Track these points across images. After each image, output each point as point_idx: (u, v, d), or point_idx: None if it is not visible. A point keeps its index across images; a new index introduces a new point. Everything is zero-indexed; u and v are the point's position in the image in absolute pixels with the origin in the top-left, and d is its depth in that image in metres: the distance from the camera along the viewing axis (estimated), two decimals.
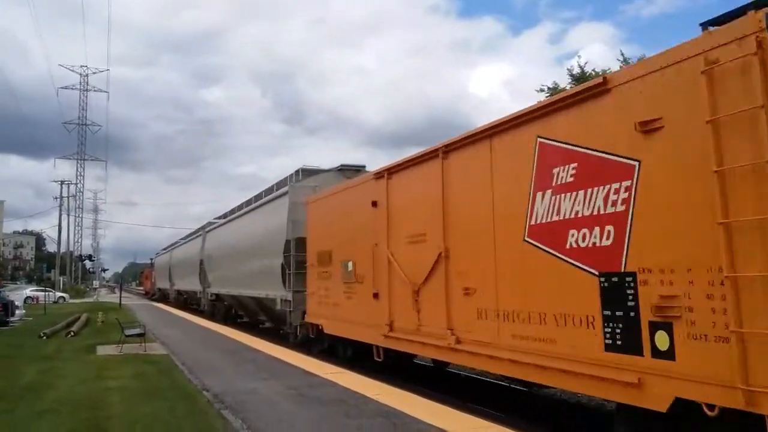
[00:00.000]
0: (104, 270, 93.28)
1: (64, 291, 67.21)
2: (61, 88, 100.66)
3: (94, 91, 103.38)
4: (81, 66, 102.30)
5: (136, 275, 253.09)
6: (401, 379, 12.36)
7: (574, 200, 7.06)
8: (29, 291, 56.41)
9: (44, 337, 20.35)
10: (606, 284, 6.57)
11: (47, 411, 9.12)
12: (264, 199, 22.27)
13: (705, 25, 5.86)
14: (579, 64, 36.31)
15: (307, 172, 17.55)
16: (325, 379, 11.44)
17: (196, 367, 13.11)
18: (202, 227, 36.60)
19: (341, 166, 18.12)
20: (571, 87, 38.71)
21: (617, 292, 6.41)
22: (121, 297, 44.32)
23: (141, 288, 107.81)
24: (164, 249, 62.60)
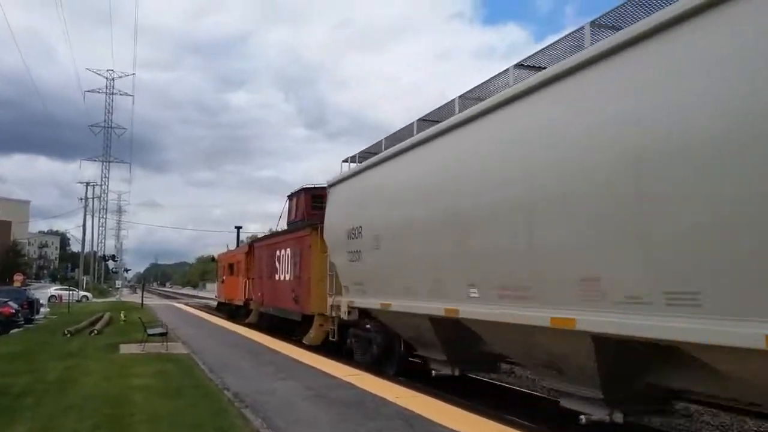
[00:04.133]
0: (127, 270, 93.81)
1: (87, 290, 68.06)
2: (88, 91, 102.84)
3: (120, 94, 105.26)
4: (107, 70, 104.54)
5: (157, 275, 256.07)
6: (419, 383, 12.43)
7: None
8: (53, 290, 57.31)
9: (68, 335, 20.71)
10: None
11: (72, 406, 9.32)
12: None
13: None
14: None
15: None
16: (343, 380, 11.54)
17: (216, 367, 13.29)
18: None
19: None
20: None
21: None
22: (143, 297, 44.79)
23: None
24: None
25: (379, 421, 8.27)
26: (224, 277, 35.17)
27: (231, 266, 33.16)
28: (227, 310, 34.11)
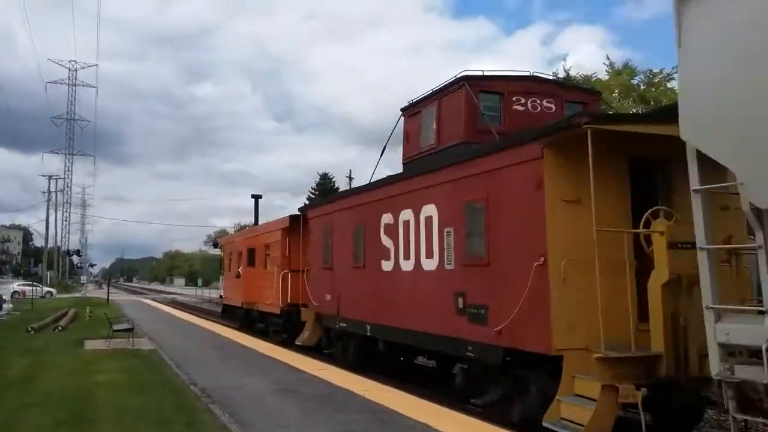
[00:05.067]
0: (92, 265, 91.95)
1: (51, 286, 66.85)
2: (50, 82, 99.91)
3: (83, 86, 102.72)
4: (70, 61, 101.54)
5: (124, 271, 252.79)
6: (387, 377, 12.47)
7: None
8: (16, 285, 56.12)
9: (32, 332, 20.31)
10: None
11: (35, 403, 9.16)
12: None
13: None
14: (564, 69, 37.57)
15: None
16: (312, 375, 11.53)
17: (183, 362, 13.15)
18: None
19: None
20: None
21: None
22: (109, 293, 44.16)
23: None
24: None
25: (347, 414, 8.29)
26: (240, 269, 23.52)
27: (251, 253, 22.53)
28: (242, 317, 23.75)
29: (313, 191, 76.77)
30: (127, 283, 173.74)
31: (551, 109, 10.96)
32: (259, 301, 21.06)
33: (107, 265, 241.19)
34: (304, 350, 15.58)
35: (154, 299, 52.60)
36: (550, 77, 11.84)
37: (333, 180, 76.48)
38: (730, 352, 5.71)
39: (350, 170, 56.71)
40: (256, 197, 29.03)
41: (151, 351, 15.39)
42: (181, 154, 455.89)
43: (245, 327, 22.74)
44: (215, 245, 38.15)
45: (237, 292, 24.00)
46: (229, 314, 26.24)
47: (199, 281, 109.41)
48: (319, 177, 77.63)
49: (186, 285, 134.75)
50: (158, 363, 13.40)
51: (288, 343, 17.07)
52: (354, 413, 8.37)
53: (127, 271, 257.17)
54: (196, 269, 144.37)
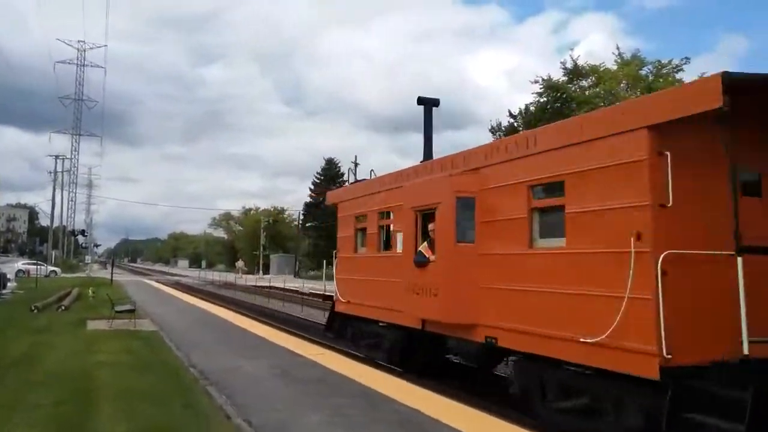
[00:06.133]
0: (97, 245, 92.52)
1: (56, 265, 67.25)
2: (58, 62, 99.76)
3: (91, 66, 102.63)
4: (78, 41, 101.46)
5: (128, 251, 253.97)
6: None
7: None
8: (21, 264, 56.46)
9: (35, 311, 20.54)
10: None
11: (37, 382, 9.34)
12: None
13: None
14: (572, 58, 37.40)
15: None
16: (308, 359, 11.73)
17: (183, 344, 13.37)
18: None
19: None
20: (563, 80, 38.96)
21: None
22: (112, 273, 44.47)
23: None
24: None
25: (340, 398, 8.47)
26: (423, 249, 9.91)
27: (466, 208, 9.20)
28: (402, 345, 11.71)
29: (318, 176, 76.99)
30: (131, 264, 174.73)
31: None
32: (528, 329, 8.01)
33: (112, 245, 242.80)
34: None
35: (157, 280, 52.95)
36: None
37: (339, 165, 76.69)
38: None
39: (355, 156, 56.02)
40: (432, 102, 13.66)
41: (151, 332, 15.61)
42: (190, 137, 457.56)
43: (405, 365, 11.69)
44: (321, 200, 24.48)
45: (401, 297, 10.63)
46: (346, 330, 14.11)
47: (203, 263, 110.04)
48: (324, 162, 77.90)
49: (190, 267, 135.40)
50: (159, 344, 13.61)
51: None
52: (347, 397, 8.55)
53: (131, 251, 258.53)
54: (200, 251, 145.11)
